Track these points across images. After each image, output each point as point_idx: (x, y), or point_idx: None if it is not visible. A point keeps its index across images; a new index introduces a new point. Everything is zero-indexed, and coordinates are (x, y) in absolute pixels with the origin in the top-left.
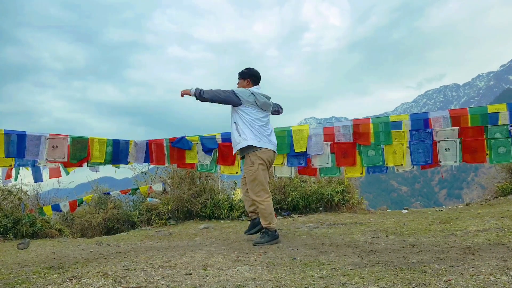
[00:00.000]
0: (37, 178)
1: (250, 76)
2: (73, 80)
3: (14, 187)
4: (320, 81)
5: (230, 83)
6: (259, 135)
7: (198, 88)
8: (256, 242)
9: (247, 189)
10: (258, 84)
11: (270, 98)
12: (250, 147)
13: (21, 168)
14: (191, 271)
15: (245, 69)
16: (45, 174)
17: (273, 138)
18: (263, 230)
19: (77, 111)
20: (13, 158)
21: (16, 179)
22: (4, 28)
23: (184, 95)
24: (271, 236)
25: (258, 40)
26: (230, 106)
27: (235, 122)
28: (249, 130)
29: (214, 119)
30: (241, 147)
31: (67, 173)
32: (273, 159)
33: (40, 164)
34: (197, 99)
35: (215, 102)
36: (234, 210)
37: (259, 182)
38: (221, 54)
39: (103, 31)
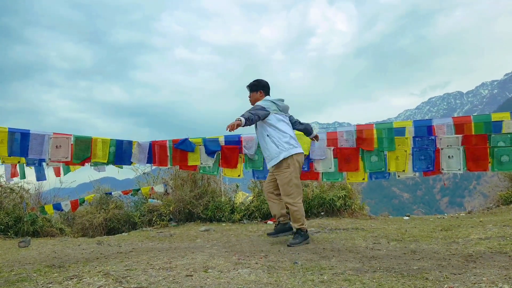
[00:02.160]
0: (40, 177)
1: (262, 87)
2: (79, 80)
3: (16, 185)
4: (325, 86)
5: (236, 86)
6: (294, 139)
7: (243, 118)
8: (292, 243)
9: (276, 194)
10: (269, 94)
11: (283, 100)
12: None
13: (25, 166)
14: (192, 272)
15: (254, 81)
16: (47, 172)
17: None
18: (296, 231)
19: (83, 111)
20: (21, 157)
21: (22, 177)
22: (13, 27)
23: (236, 127)
24: (304, 236)
25: (265, 43)
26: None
27: (268, 135)
28: (285, 137)
29: (218, 122)
30: (285, 157)
31: (66, 172)
32: (303, 161)
33: (47, 164)
34: (245, 125)
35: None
36: (235, 213)
37: (294, 184)
38: (227, 57)
39: (110, 31)
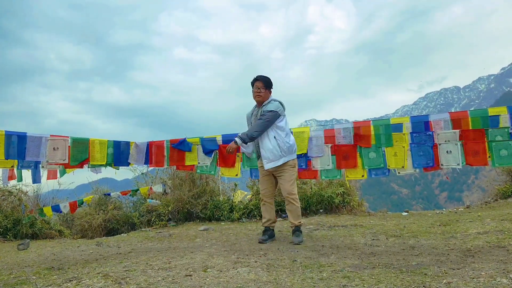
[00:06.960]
0: (36, 179)
1: (271, 87)
2: (78, 81)
3: (14, 187)
4: (323, 83)
5: (235, 85)
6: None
7: (241, 137)
8: (300, 241)
9: (271, 199)
10: None
11: None
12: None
13: (21, 169)
14: (191, 272)
15: (267, 77)
16: (43, 175)
17: None
18: (297, 228)
19: (82, 112)
20: (16, 160)
21: (19, 180)
22: (12, 29)
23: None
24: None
25: (264, 42)
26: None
27: (274, 137)
28: (290, 140)
29: (218, 121)
30: (291, 159)
31: (62, 174)
32: None
33: (43, 166)
34: (246, 142)
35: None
36: (234, 212)
37: (295, 183)
38: (226, 56)
39: (109, 32)
